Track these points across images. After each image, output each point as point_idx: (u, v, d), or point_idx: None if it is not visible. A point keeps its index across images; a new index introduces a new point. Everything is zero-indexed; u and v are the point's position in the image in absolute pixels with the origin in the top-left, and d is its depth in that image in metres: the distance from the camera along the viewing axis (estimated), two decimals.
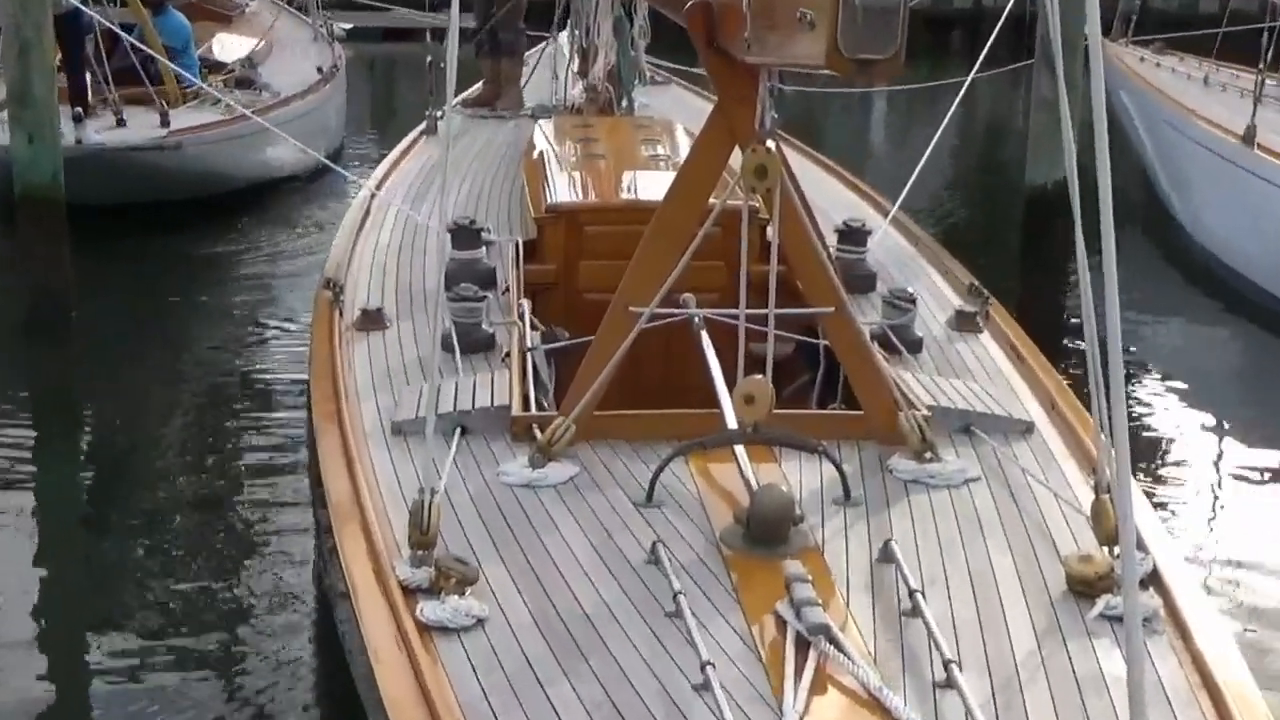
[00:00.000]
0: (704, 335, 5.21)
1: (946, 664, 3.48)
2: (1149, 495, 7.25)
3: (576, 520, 4.24)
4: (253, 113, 11.80)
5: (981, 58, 8.77)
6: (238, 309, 10.95)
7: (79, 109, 11.55)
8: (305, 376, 6.17)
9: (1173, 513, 7.62)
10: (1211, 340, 11.03)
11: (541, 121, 8.62)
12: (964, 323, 6.02)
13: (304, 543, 6.80)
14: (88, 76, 12.14)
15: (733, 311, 4.75)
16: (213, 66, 14.29)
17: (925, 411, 4.83)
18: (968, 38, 24.46)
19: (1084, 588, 3.87)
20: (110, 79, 12.23)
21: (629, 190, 7.03)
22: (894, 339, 5.67)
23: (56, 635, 6.25)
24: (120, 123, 12.11)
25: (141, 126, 12.15)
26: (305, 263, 11.71)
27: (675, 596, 3.72)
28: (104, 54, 12.33)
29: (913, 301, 5.83)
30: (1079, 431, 4.87)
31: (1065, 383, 5.43)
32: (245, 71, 14.41)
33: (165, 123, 12.23)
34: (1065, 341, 9.75)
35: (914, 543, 4.15)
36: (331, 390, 5.14)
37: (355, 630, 3.78)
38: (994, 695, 3.46)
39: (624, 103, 9.32)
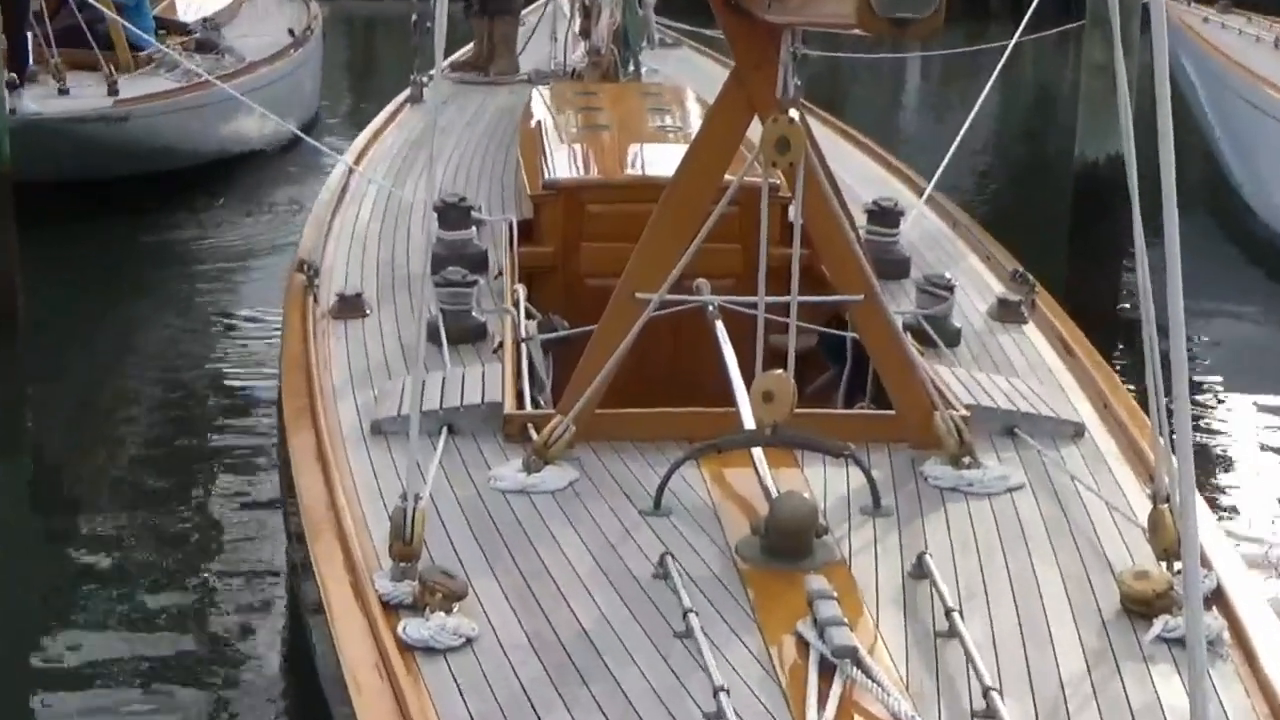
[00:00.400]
0: (719, 325, 5.23)
1: (986, 691, 3.48)
2: (1211, 505, 7.26)
3: (576, 530, 4.25)
4: (215, 79, 11.79)
5: (1026, 19, 8.77)
6: (201, 297, 10.96)
7: (13, 74, 11.50)
8: (276, 370, 6.18)
9: (1238, 525, 7.62)
10: None
11: (539, 88, 8.64)
12: (1007, 313, 6.03)
13: (275, 554, 6.82)
14: (29, 38, 12.10)
15: (751, 299, 4.76)
16: (170, 28, 14.27)
17: (964, 411, 4.83)
18: None
19: (1140, 607, 3.88)
20: (53, 40, 12.17)
21: (635, 165, 7.05)
22: (929, 330, 5.68)
23: (4, 662, 6.25)
24: (63, 91, 12.06)
25: (86, 95, 12.11)
26: (276, 246, 11.74)
27: (685, 615, 3.73)
28: (45, 12, 12.29)
29: (950, 289, 5.84)
30: (1134, 434, 4.88)
31: (1119, 380, 5.44)
32: (206, 33, 14.39)
33: (113, 91, 12.20)
34: (1119, 334, 9.75)
35: (951, 556, 4.15)
36: (305, 385, 5.15)
37: (330, 650, 3.79)
38: None
39: (630, 67, 9.33)
